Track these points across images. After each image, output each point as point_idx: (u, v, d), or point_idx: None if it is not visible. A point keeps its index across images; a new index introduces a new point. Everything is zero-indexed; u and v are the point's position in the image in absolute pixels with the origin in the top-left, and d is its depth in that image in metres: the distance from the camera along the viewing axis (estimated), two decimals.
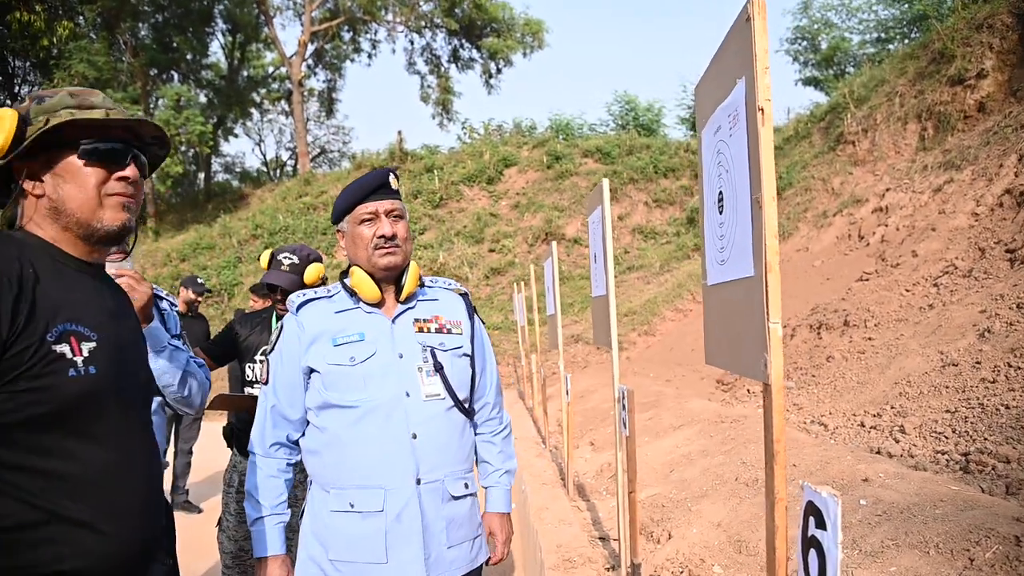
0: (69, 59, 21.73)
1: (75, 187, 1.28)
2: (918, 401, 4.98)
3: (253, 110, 33.04)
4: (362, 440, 1.74)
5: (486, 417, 2.01)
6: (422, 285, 1.94)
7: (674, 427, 5.72)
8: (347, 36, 29.59)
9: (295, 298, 1.88)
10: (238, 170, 38.03)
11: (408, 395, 1.77)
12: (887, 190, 12.14)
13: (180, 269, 19.09)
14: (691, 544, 3.33)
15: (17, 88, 25.05)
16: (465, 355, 1.91)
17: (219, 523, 3.05)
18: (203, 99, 27.98)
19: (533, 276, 9.28)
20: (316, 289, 1.91)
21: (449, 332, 1.91)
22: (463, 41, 28.62)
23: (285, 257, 2.96)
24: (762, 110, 1.34)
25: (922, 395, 5.04)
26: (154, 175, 22.91)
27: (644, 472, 4.65)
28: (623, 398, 3.17)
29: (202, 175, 31.78)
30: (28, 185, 1.27)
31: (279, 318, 3.05)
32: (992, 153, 10.19)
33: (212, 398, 2.84)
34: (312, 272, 2.95)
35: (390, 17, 28.30)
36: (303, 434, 1.85)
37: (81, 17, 23.37)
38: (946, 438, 4.19)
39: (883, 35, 23.06)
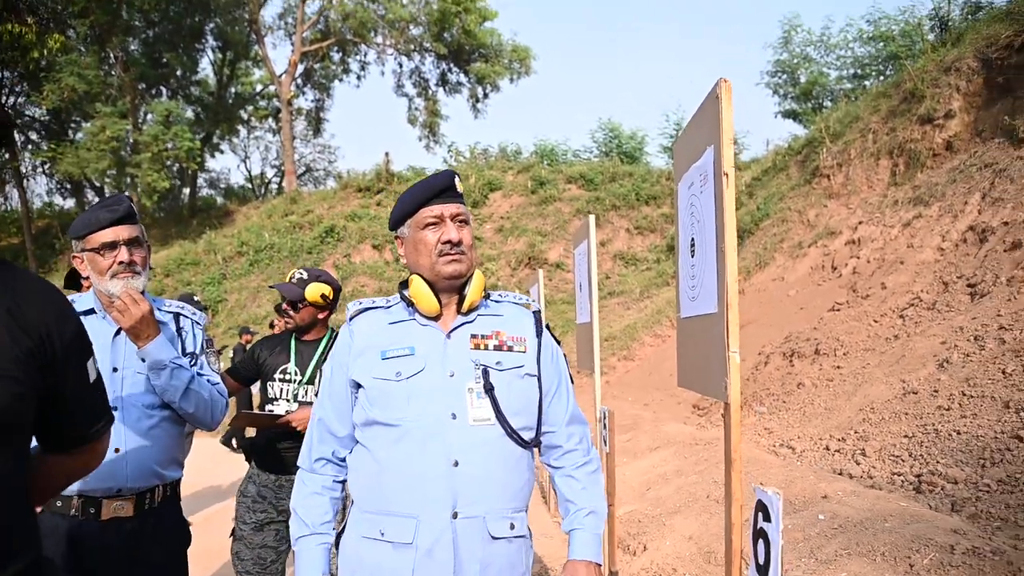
0: (59, 72, 21.85)
1: None
2: (879, 426, 5.29)
3: (240, 127, 33.22)
4: (398, 462, 1.60)
5: (565, 448, 1.77)
6: (487, 297, 1.80)
7: (651, 448, 5.98)
8: (336, 56, 29.97)
9: (352, 307, 1.79)
10: (222, 186, 38.09)
11: (455, 417, 1.62)
12: (860, 223, 12.58)
13: (164, 284, 19.15)
14: (664, 555, 3.58)
15: (4, 99, 25.08)
16: (528, 375, 1.72)
17: (232, 533, 3.16)
18: (190, 115, 28.15)
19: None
20: (375, 298, 1.82)
21: (510, 350, 1.73)
22: (451, 65, 29.09)
23: (298, 272, 3.19)
24: (727, 175, 1.63)
25: (883, 421, 5.35)
26: (139, 189, 22.90)
27: (622, 490, 4.90)
28: (604, 418, 3.43)
29: (187, 190, 31.82)
30: None
31: (299, 343, 3.21)
32: (958, 191, 10.65)
33: (235, 416, 3.06)
34: (312, 290, 3.11)
35: (380, 40, 28.74)
36: (351, 451, 1.74)
37: (72, 30, 23.51)
38: (902, 460, 4.49)
39: (859, 71, 23.81)
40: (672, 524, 3.94)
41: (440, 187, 1.72)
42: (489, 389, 1.65)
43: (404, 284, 1.77)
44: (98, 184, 27.15)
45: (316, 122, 32.67)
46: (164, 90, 27.58)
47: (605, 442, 3.34)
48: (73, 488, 2.00)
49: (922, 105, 12.77)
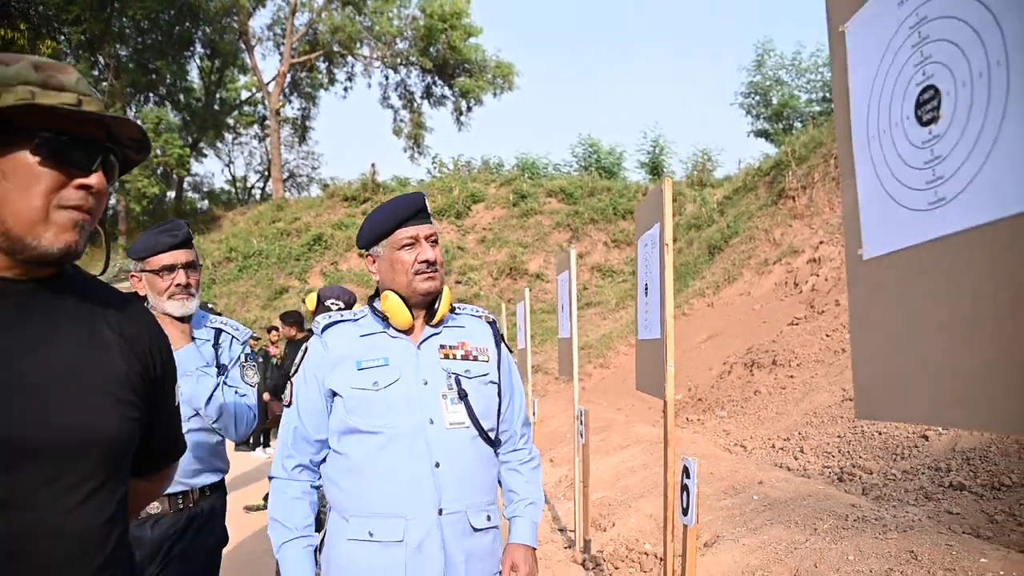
0: None
1: (18, 189, 0.98)
2: (819, 428, 6.10)
3: (226, 132, 33.71)
4: (384, 467, 1.70)
5: (513, 446, 1.96)
6: (451, 311, 1.92)
7: (621, 447, 6.75)
8: (323, 67, 30.60)
9: (321, 319, 1.87)
10: (206, 190, 38.50)
11: (432, 422, 1.75)
12: (820, 243, 13.45)
13: None
14: (630, 529, 4.35)
15: None
16: (492, 383, 1.88)
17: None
18: (177, 120, 28.63)
19: (505, 312, 10.31)
20: (343, 312, 1.90)
21: (475, 359, 1.88)
22: (436, 79, 29.88)
23: (332, 303, 3.58)
24: (667, 245, 2.40)
25: (823, 423, 6.17)
26: (129, 194, 23.33)
27: (595, 482, 5.66)
28: (582, 416, 4.20)
29: (172, 194, 32.23)
30: None
31: None
32: None
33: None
34: None
35: (367, 52, 29.46)
36: (324, 459, 1.83)
37: (64, 37, 23.95)
38: (832, 456, 5.31)
39: (828, 95, 24.91)
40: (637, 506, 4.71)
41: (413, 209, 1.81)
42: (463, 395, 1.79)
43: (373, 298, 1.89)
44: None
45: (302, 130, 33.26)
46: (153, 96, 28.02)
47: (581, 435, 4.10)
48: None
49: None
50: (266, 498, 7.23)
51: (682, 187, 22.19)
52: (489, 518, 1.81)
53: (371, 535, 1.69)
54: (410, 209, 1.81)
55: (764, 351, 9.80)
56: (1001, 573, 2.55)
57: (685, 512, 2.36)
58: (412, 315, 1.81)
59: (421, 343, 1.82)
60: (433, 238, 1.84)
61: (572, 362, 4.22)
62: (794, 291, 12.79)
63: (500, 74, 28.95)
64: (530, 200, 22.02)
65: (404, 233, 1.80)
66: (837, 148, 1.28)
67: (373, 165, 23.57)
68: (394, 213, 1.81)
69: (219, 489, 2.41)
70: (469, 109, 30.30)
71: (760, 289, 13.76)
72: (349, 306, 3.52)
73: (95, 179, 1.02)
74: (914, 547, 2.91)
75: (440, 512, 1.71)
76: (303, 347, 1.89)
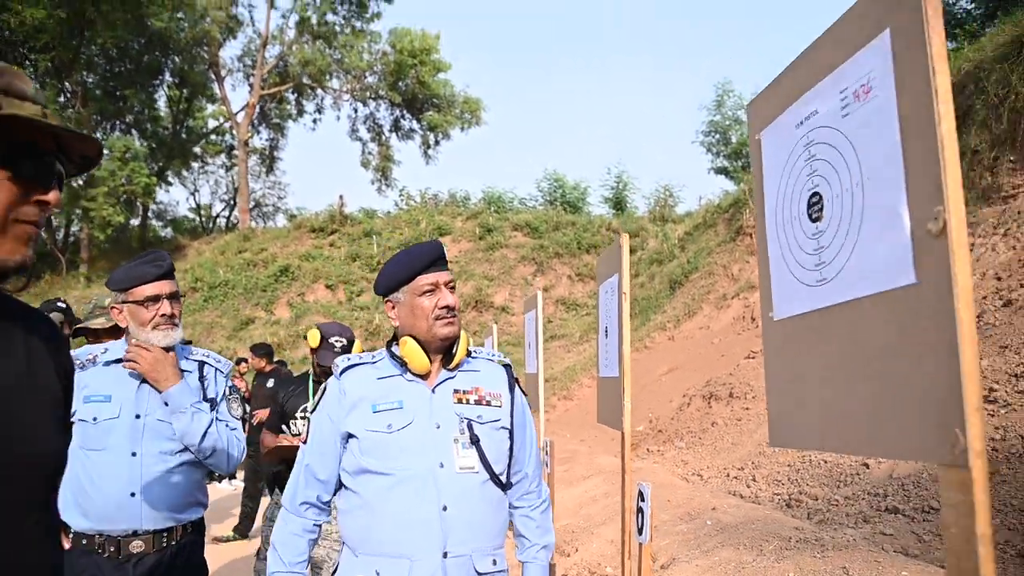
0: None
1: None
2: (771, 458, 6.45)
3: (192, 161, 33.63)
4: (392, 508, 1.73)
5: (524, 491, 1.98)
6: (468, 355, 1.95)
7: (584, 477, 7.02)
8: (293, 98, 30.86)
9: (340, 362, 1.91)
10: (170, 218, 38.19)
11: (442, 466, 1.77)
12: None
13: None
14: (592, 554, 4.61)
15: None
16: (503, 428, 1.90)
17: (258, 553, 3.70)
18: (144, 148, 28.56)
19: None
20: (361, 355, 1.94)
21: (488, 404, 1.90)
22: (405, 113, 30.36)
23: (336, 340, 3.56)
24: (625, 294, 2.71)
25: (774, 453, 6.52)
26: (93, 222, 23.09)
27: (559, 510, 5.91)
28: (547, 447, 4.47)
29: (135, 222, 31.97)
30: None
31: (316, 384, 3.60)
32: None
33: (270, 450, 3.51)
34: (356, 351, 3.54)
35: (336, 85, 29.82)
36: (336, 495, 1.88)
37: (31, 64, 23.85)
38: (782, 484, 5.64)
39: None
40: (599, 532, 4.97)
41: (433, 257, 1.88)
42: (475, 440, 1.81)
43: (391, 342, 1.93)
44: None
45: (270, 160, 33.36)
46: (120, 124, 27.94)
47: (547, 465, 4.37)
48: (95, 528, 2.17)
49: None
50: (235, 529, 7.32)
51: (644, 222, 22.78)
52: (495, 562, 1.82)
53: (377, 574, 1.72)
54: (431, 257, 1.87)
55: (721, 384, 10.18)
56: None
57: (640, 532, 2.64)
58: (430, 359, 1.85)
59: (436, 387, 1.86)
60: (451, 284, 1.90)
61: (538, 396, 4.50)
62: (751, 325, 13.26)
63: (468, 109, 29.53)
64: (496, 234, 22.40)
65: (425, 280, 1.85)
66: (756, 230, 1.60)
67: (341, 197, 23.73)
68: (415, 260, 1.86)
69: (201, 523, 2.43)
70: (437, 143, 30.82)
71: (719, 323, 14.23)
72: (350, 343, 3.60)
73: (53, 196, 1.01)
74: (847, 564, 3.23)
75: (445, 555, 1.73)
76: (323, 387, 1.93)
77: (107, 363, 2.35)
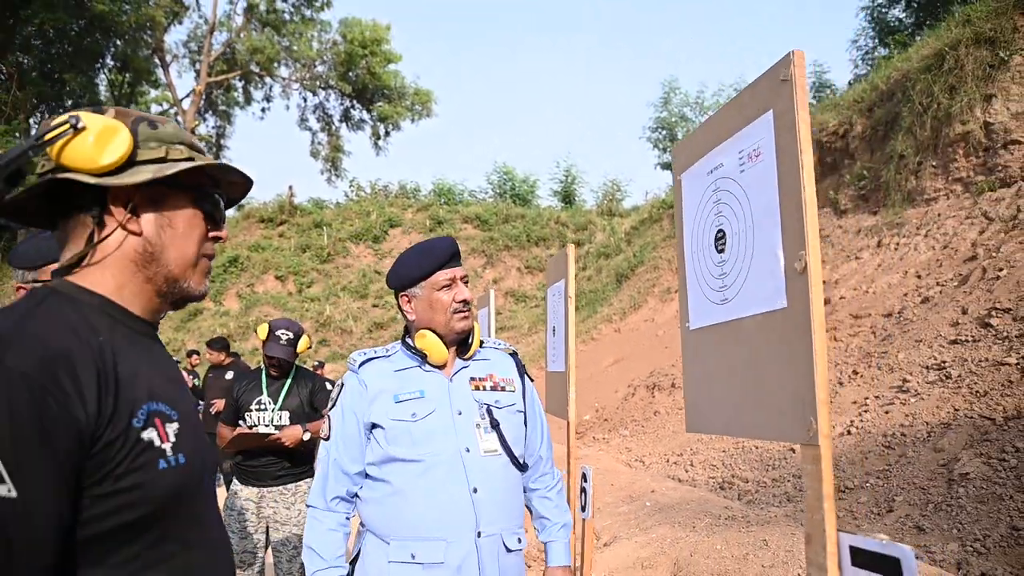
0: None
1: (181, 238, 1.08)
2: (708, 444, 6.90)
3: None
4: (425, 493, 1.79)
5: (540, 472, 2.06)
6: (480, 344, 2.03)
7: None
8: (240, 86, 30.39)
9: (357, 356, 1.97)
10: None
11: (468, 451, 1.84)
12: None
13: None
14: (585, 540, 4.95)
15: None
16: (519, 411, 1.99)
17: None
18: None
19: None
20: (375, 348, 2.01)
21: (503, 390, 1.98)
22: (355, 103, 30.19)
23: (283, 333, 3.79)
24: (570, 297, 3.03)
25: (711, 441, 6.97)
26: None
27: None
28: None
29: None
30: (122, 216, 1.03)
31: (269, 378, 3.83)
32: None
33: (231, 439, 3.65)
34: (303, 344, 3.83)
35: (285, 74, 29.49)
36: (361, 487, 1.90)
37: None
38: (716, 468, 6.08)
39: None
40: None
41: (450, 253, 1.96)
42: (495, 424, 1.90)
43: (406, 335, 2.01)
44: None
45: (217, 148, 32.77)
46: (59, 108, 27.11)
47: None
48: None
49: None
50: None
51: (592, 216, 23.25)
52: (520, 540, 1.90)
53: (413, 557, 1.77)
54: (448, 253, 1.95)
55: (664, 374, 10.66)
56: None
57: (584, 509, 2.97)
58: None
59: (453, 376, 1.94)
60: (466, 279, 1.98)
61: None
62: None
63: (419, 101, 29.55)
64: (446, 226, 22.60)
65: (443, 275, 1.93)
66: (677, 255, 1.92)
67: (291, 187, 23.59)
68: (433, 257, 1.94)
69: None
70: (387, 134, 30.74)
71: (663, 316, 14.74)
72: (297, 337, 3.80)
73: (225, 233, 1.17)
74: (767, 537, 3.63)
75: (479, 535, 1.80)
76: (339, 383, 1.98)
77: None
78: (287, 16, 27.83)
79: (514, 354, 2.12)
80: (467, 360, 1.99)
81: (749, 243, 1.53)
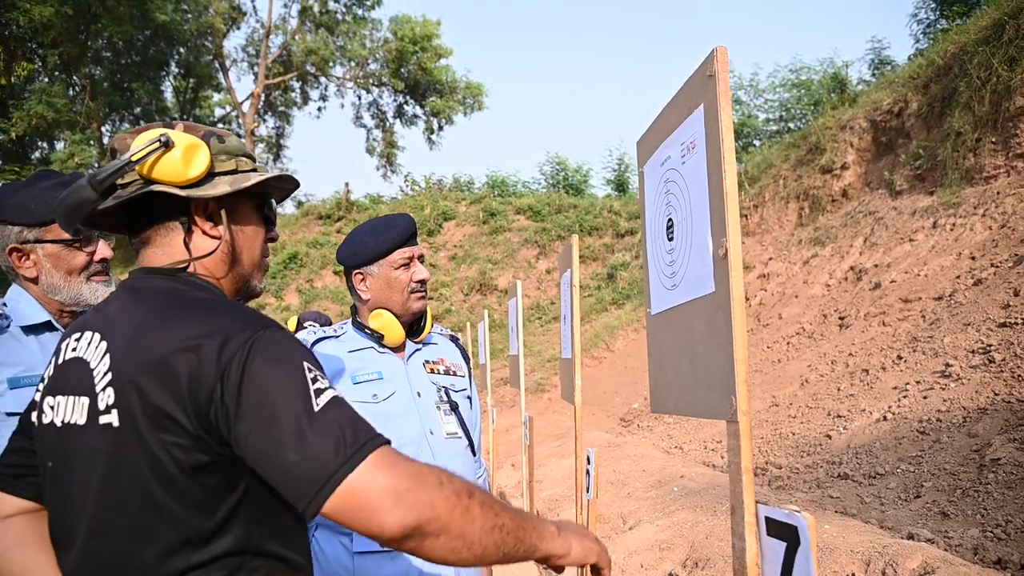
0: (28, 100, 22.63)
1: (251, 240, 1.22)
2: None
3: None
4: None
5: (477, 460, 2.03)
6: None
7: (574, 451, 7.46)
8: (297, 86, 31.19)
9: (308, 336, 1.90)
10: None
11: (432, 433, 1.82)
12: (770, 259, 14.33)
13: None
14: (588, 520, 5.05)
15: None
16: (468, 397, 1.99)
17: None
18: None
19: (468, 326, 11.01)
20: (324, 328, 1.95)
21: (455, 375, 1.98)
22: (408, 99, 30.61)
23: (309, 325, 4.27)
24: (575, 286, 3.12)
25: (753, 427, 6.94)
26: None
27: (549, 482, 6.36)
28: (527, 422, 4.91)
29: None
30: (205, 224, 1.15)
31: None
32: (847, 234, 12.43)
33: None
34: None
35: (340, 73, 30.12)
36: None
37: (39, 59, 24.29)
38: (752, 455, 6.07)
39: (784, 115, 26.02)
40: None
41: (410, 232, 1.91)
42: (455, 407, 1.90)
43: (354, 314, 1.95)
44: None
45: (276, 148, 33.75)
46: (128, 116, 28.40)
47: (527, 437, 4.82)
48: None
49: (823, 157, 14.67)
50: None
51: None
52: None
53: (381, 545, 1.84)
54: (408, 231, 1.91)
55: None
56: (835, 534, 3.29)
57: (588, 490, 3.07)
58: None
59: (408, 358, 1.91)
60: (423, 258, 1.96)
61: (520, 376, 4.93)
62: (746, 305, 13.61)
63: (470, 94, 29.77)
64: (499, 218, 22.77)
65: (402, 254, 1.89)
66: (639, 244, 2.00)
67: (347, 184, 24.15)
68: (392, 234, 1.88)
69: None
70: (440, 128, 31.07)
71: None
72: (323, 328, 4.11)
73: (276, 234, 1.30)
74: None
75: None
76: None
77: (28, 327, 1.71)
78: (340, 16, 28.40)
79: (456, 339, 2.12)
80: (418, 343, 1.96)
81: (689, 231, 1.60)
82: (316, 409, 0.95)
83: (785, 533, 1.31)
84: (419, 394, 1.88)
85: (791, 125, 24.80)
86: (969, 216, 9.45)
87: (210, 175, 1.13)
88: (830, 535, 3.26)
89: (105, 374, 1.02)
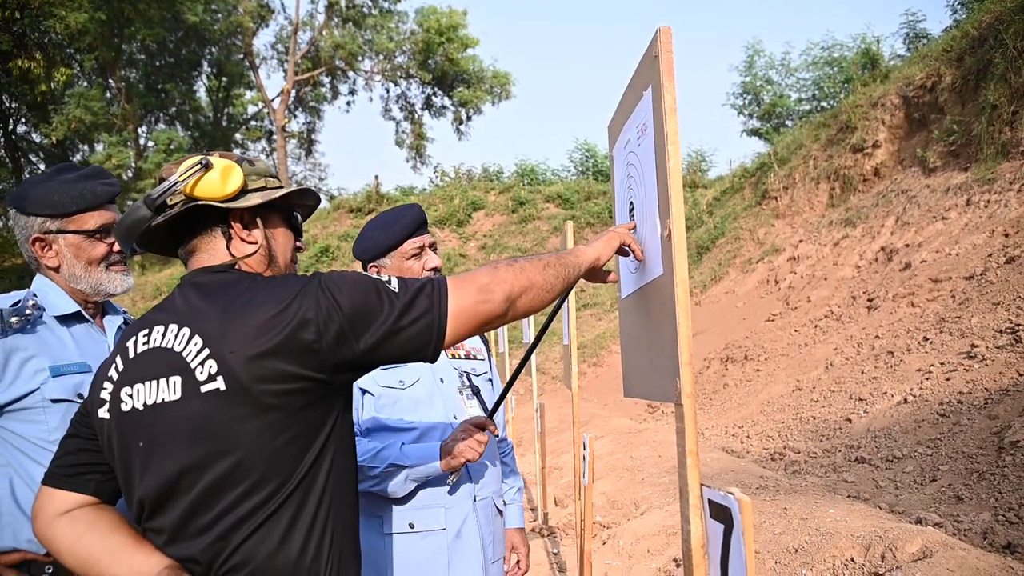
0: (67, 104, 23.23)
1: (282, 246, 1.40)
2: (768, 416, 6.80)
3: (234, 147, 34.69)
4: None
5: (500, 438, 2.08)
6: None
7: (596, 437, 7.46)
8: (326, 81, 31.50)
9: None
10: None
11: (456, 417, 1.86)
12: (800, 241, 14.08)
13: None
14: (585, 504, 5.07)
15: (12, 126, 26.38)
16: (489, 380, 2.03)
17: None
18: (187, 138, 29.60)
19: None
20: None
21: (475, 359, 2.02)
22: (436, 90, 30.71)
23: None
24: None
25: (772, 412, 6.86)
26: None
27: (567, 468, 6.38)
28: (539, 410, 4.93)
29: None
30: (243, 232, 1.33)
31: None
32: (879, 214, 12.15)
33: None
34: None
35: (368, 67, 30.32)
36: None
37: (77, 64, 24.90)
38: (772, 439, 6.00)
39: (816, 94, 25.49)
40: (596, 486, 5.42)
41: (420, 221, 1.97)
42: (476, 392, 1.94)
43: None
44: None
45: (308, 143, 34.16)
46: (163, 116, 29.02)
47: (538, 424, 4.84)
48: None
49: (854, 135, 14.33)
50: None
51: None
52: (504, 502, 1.99)
53: (412, 526, 1.77)
54: (417, 221, 1.96)
55: (738, 347, 10.48)
56: (838, 518, 3.25)
57: (584, 475, 3.08)
58: None
59: None
60: (435, 246, 2.01)
61: (572, 367, 4.97)
62: (774, 288, 13.41)
63: (497, 83, 29.74)
64: (528, 206, 22.74)
65: (413, 244, 1.95)
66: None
67: (376, 177, 24.32)
68: (401, 225, 1.94)
69: None
70: (468, 118, 31.14)
71: (744, 287, 14.40)
72: None
73: (304, 245, 1.50)
74: (789, 505, 3.62)
75: (475, 499, 1.85)
76: None
77: (60, 318, 1.76)
78: (366, 10, 28.56)
79: None
80: None
81: (644, 214, 1.60)
82: (393, 288, 1.26)
83: (722, 515, 1.31)
84: (442, 380, 1.92)
85: (824, 104, 24.30)
86: (1004, 192, 9.18)
87: (243, 191, 1.33)
88: (833, 519, 3.22)
89: (200, 352, 1.18)
